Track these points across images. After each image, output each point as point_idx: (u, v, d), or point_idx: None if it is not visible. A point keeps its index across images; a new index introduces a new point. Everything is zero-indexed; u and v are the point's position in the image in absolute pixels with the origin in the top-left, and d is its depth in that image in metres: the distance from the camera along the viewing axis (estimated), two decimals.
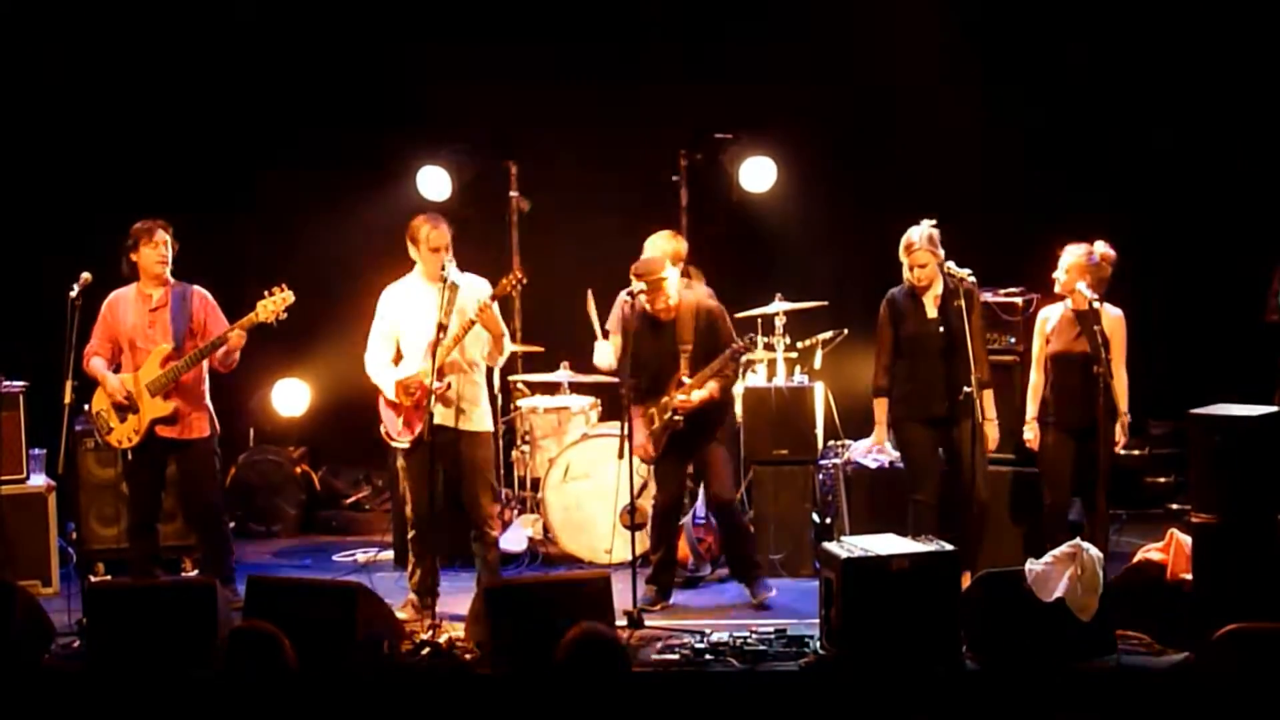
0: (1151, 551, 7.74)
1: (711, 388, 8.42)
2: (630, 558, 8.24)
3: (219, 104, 10.71)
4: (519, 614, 7.38)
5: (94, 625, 7.55)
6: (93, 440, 9.17)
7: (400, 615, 7.97)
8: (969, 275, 8.28)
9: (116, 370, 8.55)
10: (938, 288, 8.38)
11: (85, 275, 8.27)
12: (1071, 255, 8.32)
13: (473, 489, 8.27)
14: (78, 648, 7.66)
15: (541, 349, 10.18)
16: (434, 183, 10.16)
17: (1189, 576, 7.50)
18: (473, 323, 8.04)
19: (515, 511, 9.62)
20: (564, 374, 9.85)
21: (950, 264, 8.33)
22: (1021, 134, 10.36)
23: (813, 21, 10.48)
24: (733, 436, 9.05)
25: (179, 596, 7.66)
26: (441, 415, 8.06)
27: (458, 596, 8.30)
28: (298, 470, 10.67)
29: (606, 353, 9.31)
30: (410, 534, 8.33)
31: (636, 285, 8.39)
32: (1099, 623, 7.31)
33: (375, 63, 10.74)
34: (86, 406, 8.69)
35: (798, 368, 9.58)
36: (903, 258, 8.38)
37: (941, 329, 8.32)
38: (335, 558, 9.85)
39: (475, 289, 8.16)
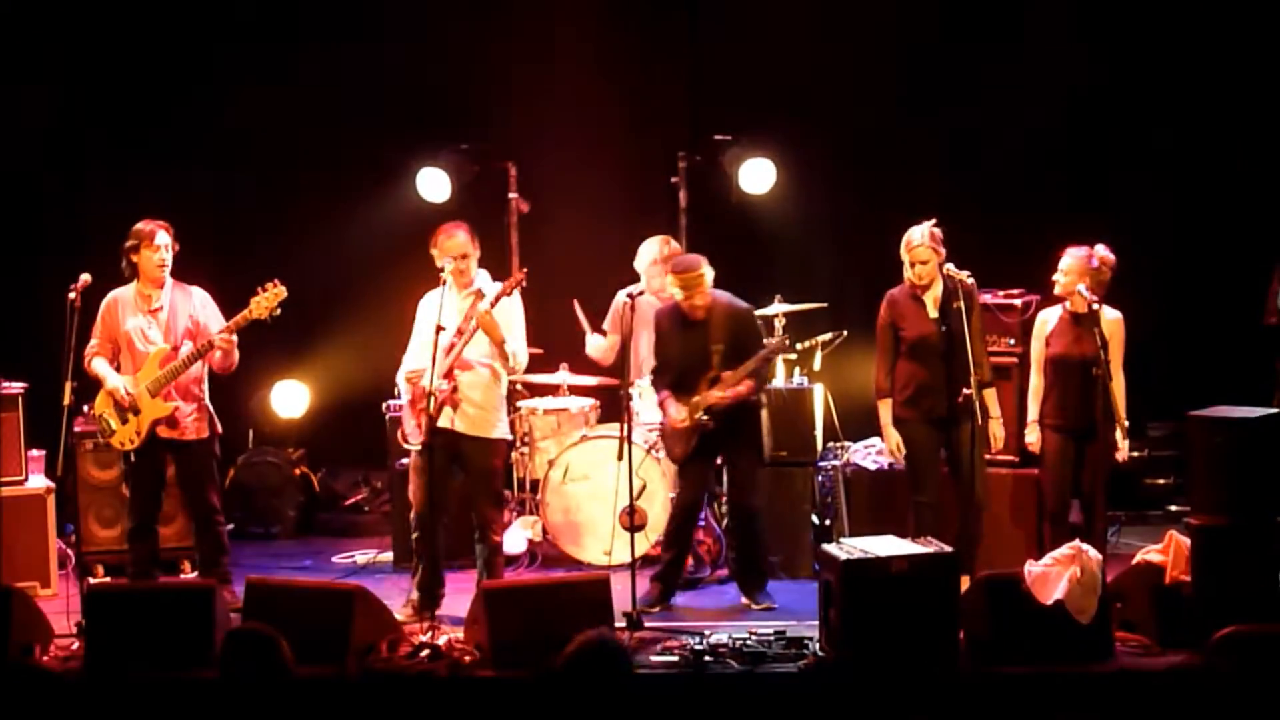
0: (1151, 553, 7.72)
1: (749, 384, 8.40)
2: (629, 559, 8.22)
3: (219, 104, 10.69)
4: (518, 615, 7.38)
5: (93, 627, 7.54)
6: (92, 442, 9.16)
7: (399, 617, 7.97)
8: (968, 276, 8.28)
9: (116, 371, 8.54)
10: (937, 289, 8.37)
11: (85, 276, 8.27)
12: (1072, 258, 8.32)
13: (476, 494, 8.29)
14: (76, 650, 7.65)
15: (540, 351, 10.16)
16: (433, 184, 10.12)
17: (1188, 578, 7.49)
18: (476, 328, 8.06)
19: (514, 513, 9.61)
20: (563, 376, 9.84)
21: (949, 265, 8.33)
22: (1021, 134, 10.36)
23: (813, 21, 10.47)
24: (759, 444, 8.83)
25: (178, 599, 7.66)
26: (447, 418, 8.08)
27: (457, 598, 8.28)
28: (297, 472, 10.64)
29: (600, 344, 9.42)
30: (414, 535, 8.35)
31: (668, 282, 8.44)
32: (1098, 625, 7.31)
33: (375, 63, 10.73)
34: (86, 408, 8.69)
35: (797, 369, 9.56)
36: (904, 255, 8.36)
37: (942, 330, 8.32)
38: (334, 559, 9.84)
39: (490, 295, 8.18)
